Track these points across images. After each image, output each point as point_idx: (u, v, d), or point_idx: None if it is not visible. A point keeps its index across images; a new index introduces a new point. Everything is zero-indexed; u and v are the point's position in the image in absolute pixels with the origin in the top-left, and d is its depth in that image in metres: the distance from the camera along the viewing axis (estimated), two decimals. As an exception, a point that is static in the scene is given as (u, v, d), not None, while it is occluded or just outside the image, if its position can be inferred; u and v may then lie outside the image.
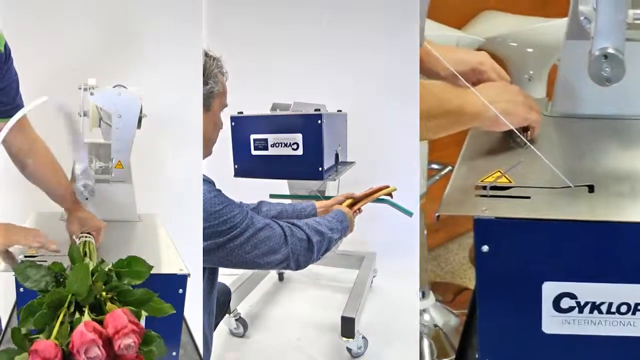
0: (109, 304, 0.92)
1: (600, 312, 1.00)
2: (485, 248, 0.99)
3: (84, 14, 1.98)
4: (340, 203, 1.69)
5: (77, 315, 0.89)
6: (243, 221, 1.20)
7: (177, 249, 1.31)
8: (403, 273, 2.00)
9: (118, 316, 0.87)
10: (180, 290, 1.11)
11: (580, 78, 1.27)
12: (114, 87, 1.49)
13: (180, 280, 1.11)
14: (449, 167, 2.15)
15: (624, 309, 0.99)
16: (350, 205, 1.68)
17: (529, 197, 1.04)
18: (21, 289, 1.02)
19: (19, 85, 1.31)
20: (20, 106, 1.30)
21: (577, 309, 1.00)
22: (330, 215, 1.51)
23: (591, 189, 1.05)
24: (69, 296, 0.90)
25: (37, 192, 1.46)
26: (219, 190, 1.22)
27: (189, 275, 1.12)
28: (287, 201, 1.81)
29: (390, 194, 1.76)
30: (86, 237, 1.27)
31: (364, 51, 2.71)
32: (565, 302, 1.00)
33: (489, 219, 0.99)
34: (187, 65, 2.02)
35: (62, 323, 0.88)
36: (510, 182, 1.09)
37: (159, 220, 1.62)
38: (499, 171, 1.13)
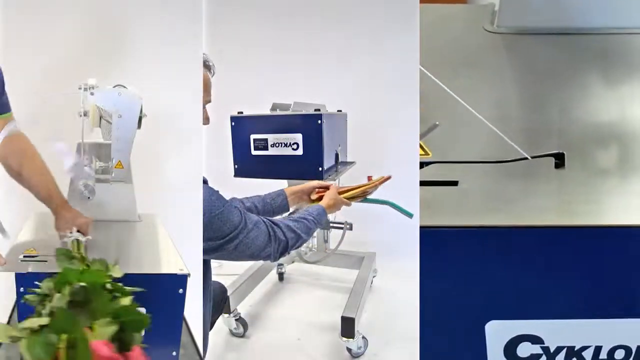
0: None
1: None
2: None
3: (83, 14, 1.98)
4: (310, 191, 1.67)
5: None
6: (240, 223, 1.25)
7: (177, 249, 1.31)
8: (403, 273, 1.99)
9: None
10: (181, 290, 1.11)
11: None
12: (114, 87, 1.49)
13: (180, 280, 1.11)
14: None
15: (620, 354, 0.67)
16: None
17: (456, 183, 0.67)
18: (21, 289, 1.03)
19: (4, 83, 1.32)
20: (6, 103, 1.33)
21: (544, 357, 0.67)
22: (311, 213, 1.49)
23: (559, 160, 0.69)
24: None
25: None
26: (217, 192, 1.24)
27: (189, 275, 1.12)
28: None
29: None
30: (75, 235, 1.26)
31: (364, 51, 2.71)
32: (525, 349, 0.67)
33: None
34: (187, 65, 2.03)
35: None
36: (428, 154, 0.71)
37: (159, 220, 1.62)
38: None
